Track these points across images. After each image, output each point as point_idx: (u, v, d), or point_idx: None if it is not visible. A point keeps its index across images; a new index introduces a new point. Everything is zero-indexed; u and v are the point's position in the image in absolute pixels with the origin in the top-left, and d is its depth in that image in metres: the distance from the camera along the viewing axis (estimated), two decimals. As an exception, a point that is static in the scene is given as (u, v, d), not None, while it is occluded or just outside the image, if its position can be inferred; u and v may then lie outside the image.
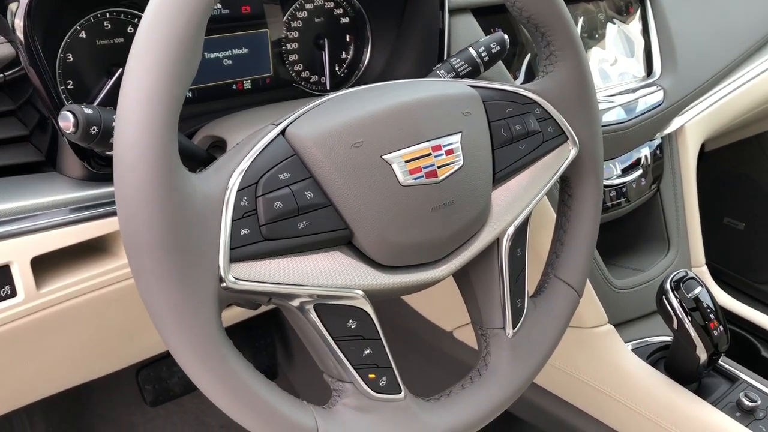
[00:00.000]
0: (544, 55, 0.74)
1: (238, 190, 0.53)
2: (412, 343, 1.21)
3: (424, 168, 0.61)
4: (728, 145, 1.65)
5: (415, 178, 0.61)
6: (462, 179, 0.64)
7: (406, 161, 0.61)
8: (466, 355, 1.13)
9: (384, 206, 0.60)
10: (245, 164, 0.54)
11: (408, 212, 0.61)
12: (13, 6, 0.61)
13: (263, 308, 0.77)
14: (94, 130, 0.56)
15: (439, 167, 0.62)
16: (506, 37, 0.82)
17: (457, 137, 0.64)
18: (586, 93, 0.74)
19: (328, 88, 0.92)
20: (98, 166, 0.66)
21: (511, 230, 0.69)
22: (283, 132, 0.58)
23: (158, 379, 1.30)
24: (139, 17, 0.75)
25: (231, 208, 0.52)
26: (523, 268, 0.71)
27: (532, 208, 0.71)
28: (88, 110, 0.56)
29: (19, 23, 0.61)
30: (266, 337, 1.44)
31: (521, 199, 0.70)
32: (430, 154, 0.62)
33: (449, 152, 0.63)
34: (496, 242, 0.69)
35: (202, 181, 0.52)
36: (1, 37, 0.63)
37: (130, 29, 0.75)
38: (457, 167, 0.63)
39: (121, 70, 0.74)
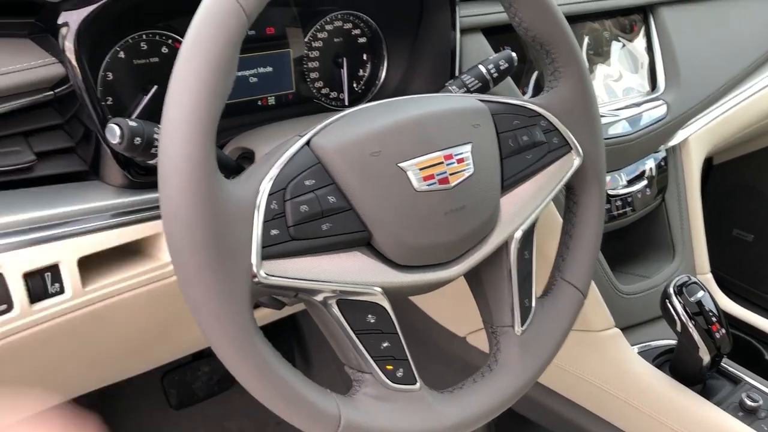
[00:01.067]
0: (549, 71, 0.79)
1: (269, 195, 0.58)
2: (426, 348, 1.25)
3: (437, 175, 0.66)
4: (737, 158, 1.68)
5: (429, 185, 0.66)
6: (472, 186, 0.69)
7: (420, 169, 0.66)
8: (479, 360, 1.16)
9: (400, 210, 0.65)
10: (275, 171, 0.60)
11: (422, 216, 0.66)
12: (63, 30, 0.67)
13: (287, 310, 0.82)
14: (137, 141, 0.62)
15: (451, 174, 0.67)
16: (514, 54, 0.87)
17: (468, 147, 0.69)
18: (588, 106, 0.79)
19: (346, 103, 0.98)
20: (138, 174, 0.72)
21: (518, 234, 0.73)
22: (308, 142, 0.63)
23: (183, 383, 1.35)
24: (173, 38, 0.81)
25: (262, 211, 0.57)
26: (531, 270, 0.76)
27: (538, 213, 0.75)
28: (132, 123, 0.62)
29: (69, 46, 0.67)
30: (285, 345, 1.49)
31: (528, 205, 0.75)
32: (442, 163, 0.67)
33: (460, 161, 0.68)
34: (505, 245, 0.73)
35: (236, 187, 0.57)
36: (53, 58, 0.68)
37: (164, 49, 0.81)
38: (467, 174, 0.68)
39: (156, 87, 0.80)
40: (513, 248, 0.73)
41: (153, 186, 0.72)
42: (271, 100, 0.92)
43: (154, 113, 0.80)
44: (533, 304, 0.76)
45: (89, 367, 0.81)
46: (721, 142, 1.30)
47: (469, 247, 0.70)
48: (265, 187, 0.59)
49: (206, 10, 0.55)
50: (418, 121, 0.67)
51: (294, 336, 1.50)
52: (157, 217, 0.72)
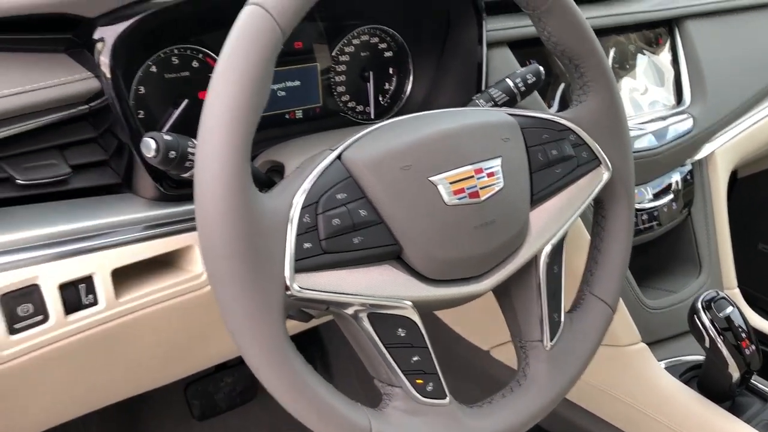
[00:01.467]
0: (578, 85, 0.79)
1: (302, 208, 0.59)
2: (449, 362, 1.25)
3: (467, 189, 0.66)
4: (761, 172, 1.67)
5: (459, 198, 0.66)
6: (502, 200, 0.69)
7: (451, 183, 0.66)
8: (503, 374, 1.16)
9: (430, 224, 0.65)
10: (307, 185, 0.60)
11: (452, 230, 0.66)
12: (99, 45, 0.68)
13: (313, 322, 0.82)
14: (172, 154, 0.63)
15: (481, 188, 0.67)
16: (541, 68, 0.88)
17: (498, 161, 0.69)
18: (617, 120, 0.79)
19: (372, 117, 0.98)
20: (170, 187, 0.73)
21: (548, 248, 0.73)
22: (339, 156, 0.63)
23: (205, 394, 1.35)
24: (204, 53, 0.82)
25: (296, 224, 0.58)
26: (560, 285, 0.75)
27: (567, 227, 0.75)
28: (167, 137, 0.63)
29: (104, 60, 0.68)
30: (307, 357, 1.49)
31: (558, 219, 0.74)
32: (472, 177, 0.67)
33: (490, 175, 0.68)
34: (534, 259, 0.73)
35: (269, 200, 0.58)
36: (88, 72, 0.70)
37: (195, 64, 0.82)
38: (497, 189, 0.68)
39: (186, 101, 0.82)
40: (542, 262, 0.73)
41: (184, 199, 0.73)
42: (299, 114, 0.93)
43: (184, 126, 0.81)
44: (562, 318, 0.75)
45: (118, 377, 0.81)
46: (747, 155, 1.29)
47: (498, 261, 0.70)
48: (298, 200, 0.59)
49: (242, 26, 0.56)
50: (449, 135, 0.67)
51: (316, 348, 1.50)
52: (188, 230, 0.73)
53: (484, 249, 0.68)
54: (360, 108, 0.97)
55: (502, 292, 0.75)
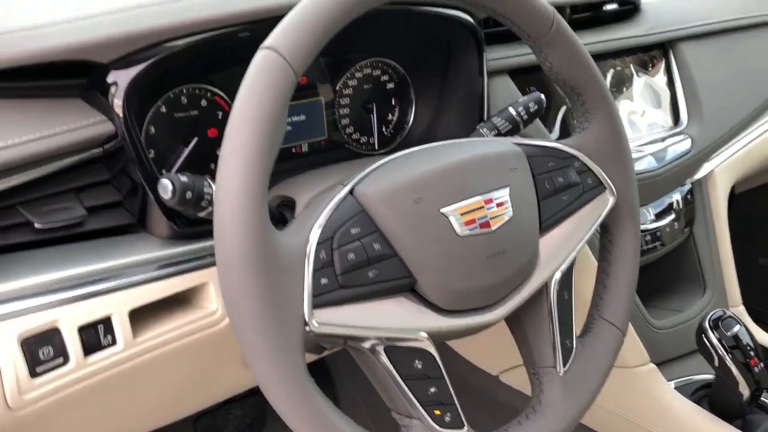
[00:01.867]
0: (580, 112, 0.80)
1: (317, 244, 0.60)
2: (457, 388, 1.25)
3: (478, 219, 0.67)
4: (757, 187, 1.68)
5: (471, 229, 0.67)
6: (512, 229, 0.70)
7: (462, 214, 0.67)
8: (512, 398, 1.16)
9: (443, 255, 0.66)
10: (322, 221, 0.61)
11: (465, 260, 0.67)
12: (113, 89, 0.70)
13: (325, 353, 0.83)
14: (188, 195, 0.64)
15: (491, 218, 0.68)
16: (543, 96, 0.89)
17: (506, 191, 0.70)
18: (620, 146, 0.81)
19: (376, 147, 1.00)
20: (183, 226, 0.74)
21: (558, 275, 0.74)
22: (351, 191, 0.65)
23: (214, 427, 1.35)
24: (212, 92, 0.83)
25: (312, 260, 0.59)
26: (571, 310, 0.76)
27: (576, 253, 0.76)
28: (183, 178, 0.64)
29: (118, 103, 0.69)
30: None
31: (566, 245, 0.75)
32: (482, 207, 0.68)
33: (500, 204, 0.69)
34: (545, 287, 0.74)
35: (286, 237, 0.59)
36: (101, 116, 0.71)
37: (203, 103, 0.83)
38: (507, 218, 0.69)
39: (196, 139, 0.83)
40: (553, 289, 0.74)
41: (197, 236, 0.74)
42: (305, 147, 0.94)
43: (194, 164, 0.82)
44: (574, 344, 0.76)
45: (133, 415, 0.81)
46: (745, 172, 1.31)
47: (510, 289, 0.71)
48: (314, 236, 0.60)
49: (256, 70, 0.57)
50: (458, 167, 0.69)
51: (324, 380, 1.50)
52: (203, 267, 0.74)
53: (497, 278, 0.69)
54: (364, 139, 0.99)
55: (513, 319, 0.76)
